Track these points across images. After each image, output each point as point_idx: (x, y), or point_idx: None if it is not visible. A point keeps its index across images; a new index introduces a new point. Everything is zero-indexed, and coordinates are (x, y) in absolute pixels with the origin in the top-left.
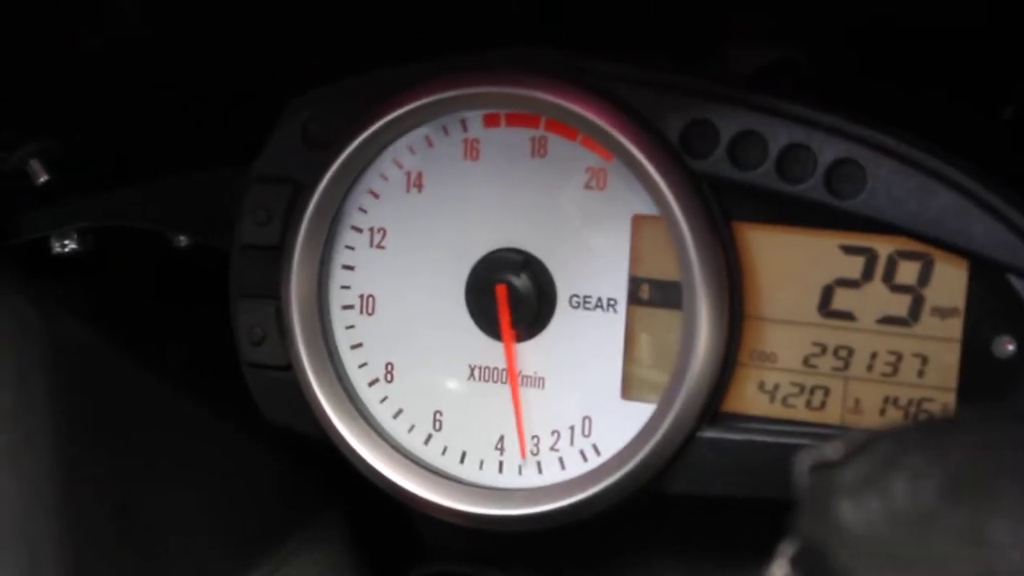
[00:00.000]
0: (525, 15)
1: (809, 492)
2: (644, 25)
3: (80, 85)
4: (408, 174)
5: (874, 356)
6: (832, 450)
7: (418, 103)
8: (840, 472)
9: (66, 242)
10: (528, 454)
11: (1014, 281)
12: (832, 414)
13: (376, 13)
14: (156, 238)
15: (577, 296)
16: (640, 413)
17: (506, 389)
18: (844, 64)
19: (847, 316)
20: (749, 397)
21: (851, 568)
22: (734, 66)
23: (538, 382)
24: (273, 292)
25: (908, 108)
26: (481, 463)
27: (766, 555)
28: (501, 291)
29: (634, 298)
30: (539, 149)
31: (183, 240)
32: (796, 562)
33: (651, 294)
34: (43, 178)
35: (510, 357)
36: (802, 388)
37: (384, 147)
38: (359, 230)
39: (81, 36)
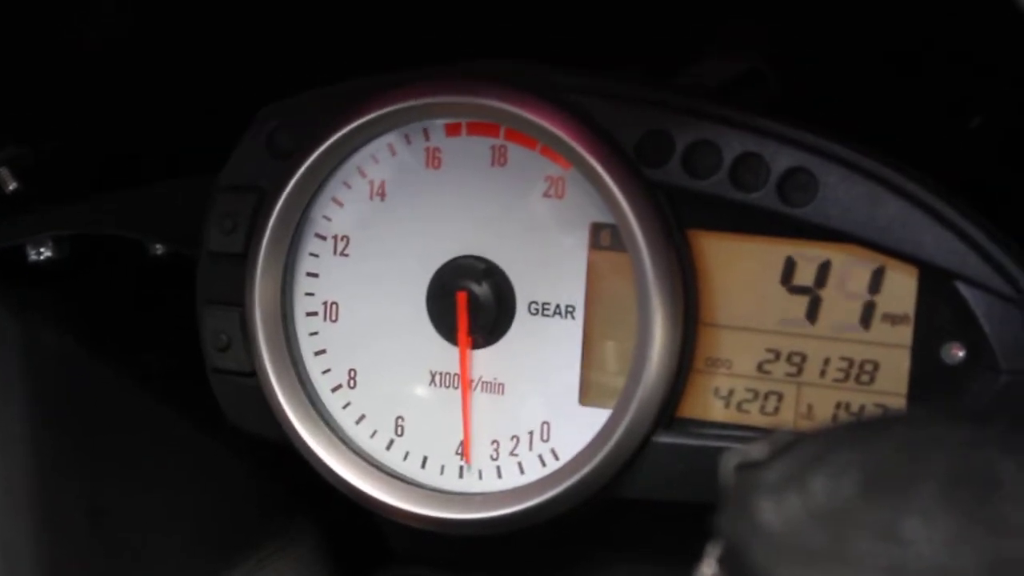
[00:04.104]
0: (495, 28)
1: (732, 491)
2: (615, 40)
3: (51, 93)
4: (371, 183)
5: (827, 362)
6: (757, 450)
7: (381, 111)
8: (763, 472)
9: (42, 250)
10: (482, 459)
11: (963, 289)
12: (785, 419)
13: (344, 26)
14: (132, 246)
15: (536, 303)
16: (597, 419)
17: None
18: (813, 76)
19: (800, 323)
20: (704, 403)
21: (766, 565)
22: (705, 80)
23: (498, 388)
24: (238, 299)
25: (873, 119)
26: (442, 468)
27: None
28: (461, 298)
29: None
30: (499, 158)
31: (159, 248)
32: (722, 561)
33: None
34: (12, 186)
35: (463, 363)
36: (756, 394)
37: (348, 156)
38: (323, 238)
39: (54, 42)
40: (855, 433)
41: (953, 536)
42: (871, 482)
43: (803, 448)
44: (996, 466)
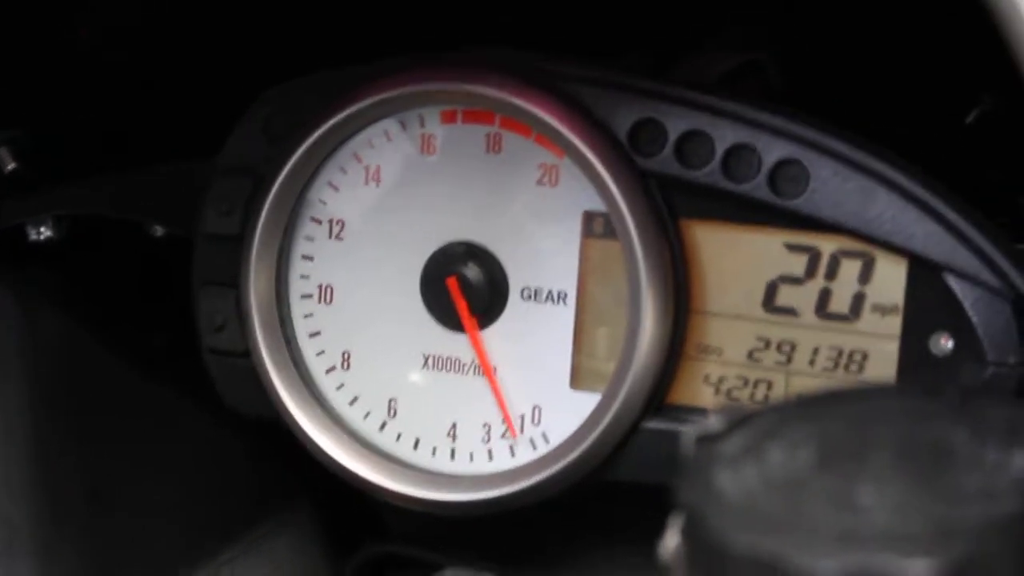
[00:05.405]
0: (490, 17)
1: (691, 463)
2: (615, 31)
3: (49, 75)
4: (367, 168)
5: (816, 351)
6: (716, 423)
7: (376, 98)
8: (721, 444)
9: (42, 229)
10: (473, 442)
11: (951, 281)
12: None
13: (341, 13)
14: (133, 227)
15: (529, 289)
16: (588, 403)
17: (459, 378)
18: (812, 69)
19: (790, 312)
20: (694, 389)
21: (724, 531)
22: (704, 72)
23: (491, 371)
24: (233, 280)
25: (870, 112)
26: (434, 450)
27: None
28: (452, 283)
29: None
30: (494, 145)
31: (159, 230)
32: (684, 532)
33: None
34: (11, 166)
35: (477, 345)
36: (746, 381)
37: (344, 141)
38: (318, 221)
39: (51, 25)
40: (810, 406)
41: (904, 503)
42: (826, 453)
43: (760, 421)
44: (949, 435)
